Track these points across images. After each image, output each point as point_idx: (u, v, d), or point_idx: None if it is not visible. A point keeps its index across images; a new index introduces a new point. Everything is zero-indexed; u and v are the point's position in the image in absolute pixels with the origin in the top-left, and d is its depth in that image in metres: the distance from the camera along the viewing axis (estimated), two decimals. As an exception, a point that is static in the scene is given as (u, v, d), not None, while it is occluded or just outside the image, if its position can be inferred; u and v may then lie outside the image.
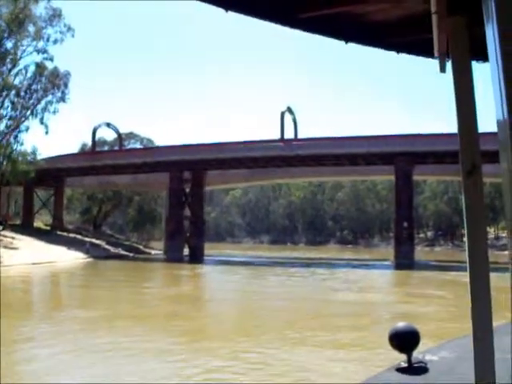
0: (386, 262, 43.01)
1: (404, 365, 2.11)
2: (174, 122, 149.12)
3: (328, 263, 42.62)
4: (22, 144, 50.17)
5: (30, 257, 36.05)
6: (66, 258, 40.41)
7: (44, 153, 56.74)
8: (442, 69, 2.21)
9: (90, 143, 64.61)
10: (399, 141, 42.39)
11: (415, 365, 2.11)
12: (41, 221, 64.97)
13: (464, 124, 1.78)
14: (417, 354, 2.15)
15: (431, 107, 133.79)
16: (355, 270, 36.15)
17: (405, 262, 39.92)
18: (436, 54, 2.21)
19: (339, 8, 2.39)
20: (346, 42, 2.64)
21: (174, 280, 26.77)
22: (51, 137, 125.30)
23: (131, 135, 71.39)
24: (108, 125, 57.90)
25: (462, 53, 1.83)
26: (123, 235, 73.81)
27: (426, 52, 2.47)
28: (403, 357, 2.20)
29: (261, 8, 2.40)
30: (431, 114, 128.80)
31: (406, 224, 42.13)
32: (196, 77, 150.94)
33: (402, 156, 41.98)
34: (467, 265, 1.69)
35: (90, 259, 42.27)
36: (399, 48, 2.70)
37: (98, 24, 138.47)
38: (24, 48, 46.47)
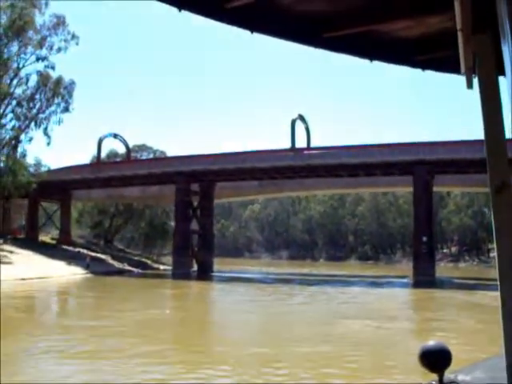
0: (405, 280, 39.84)
1: None
2: (186, 133, 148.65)
3: (342, 281, 39.77)
4: (24, 155, 48.94)
5: (22, 272, 34.07)
6: (63, 273, 38.37)
7: (54, 166, 55.21)
8: (469, 85, 2.19)
9: (103, 155, 63.22)
10: (418, 149, 39.48)
11: None
12: (50, 235, 63.45)
13: (492, 140, 1.75)
14: (448, 374, 1.87)
15: (448, 116, 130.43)
16: (369, 289, 33.22)
17: (425, 279, 36.86)
18: (462, 70, 2.18)
19: (363, 27, 2.45)
20: (371, 61, 2.69)
21: (159, 301, 24.02)
22: (62, 149, 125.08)
23: (143, 147, 69.58)
24: (115, 136, 56.06)
25: (489, 69, 1.82)
26: (135, 250, 71.84)
27: (452, 68, 2.49)
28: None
29: (285, 29, 2.47)
30: (449, 123, 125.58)
31: (425, 238, 39.01)
32: (205, 88, 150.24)
33: (421, 165, 39.02)
34: (498, 284, 1.65)
35: (88, 275, 40.14)
36: (425, 65, 2.73)
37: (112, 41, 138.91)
38: (27, 57, 45.18)
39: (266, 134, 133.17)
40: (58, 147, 60.11)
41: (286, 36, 2.49)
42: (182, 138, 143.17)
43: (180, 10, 2.23)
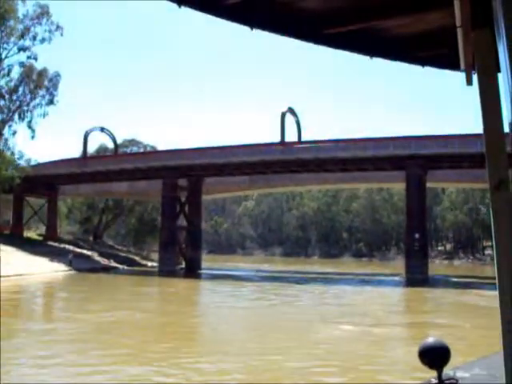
0: (396, 278, 38.69)
1: (434, 381, 1.98)
2: (177, 128, 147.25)
3: (332, 278, 38.69)
4: (9, 149, 47.78)
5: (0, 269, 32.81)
6: (44, 270, 37.13)
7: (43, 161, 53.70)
8: (469, 81, 2.19)
9: (92, 150, 61.95)
10: (410, 142, 38.29)
11: (446, 381, 2.00)
12: (39, 230, 62.15)
13: (491, 137, 1.76)
14: (447, 371, 1.91)
15: (446, 112, 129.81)
16: (358, 288, 31.96)
17: (417, 277, 35.78)
18: (462, 67, 2.19)
19: (363, 23, 2.48)
20: (371, 57, 2.70)
21: (133, 301, 22.28)
22: (53, 144, 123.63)
23: (133, 142, 68.32)
24: (102, 129, 54.66)
25: (488, 65, 1.83)
26: (125, 246, 70.66)
27: (452, 65, 2.51)
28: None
29: (286, 26, 2.49)
30: (442, 116, 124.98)
31: (417, 235, 37.88)
32: (196, 82, 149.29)
33: (413, 159, 37.87)
34: (496, 282, 1.67)
35: (71, 272, 38.92)
36: (424, 62, 2.76)
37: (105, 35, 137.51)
38: (9, 47, 43.87)
39: (261, 128, 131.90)
40: (49, 142, 59.24)
41: (286, 33, 2.49)
42: (173, 133, 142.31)
43: (180, 7, 2.20)
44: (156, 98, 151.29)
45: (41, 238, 54.53)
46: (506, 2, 1.40)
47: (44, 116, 48.03)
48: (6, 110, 46.00)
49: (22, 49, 42.72)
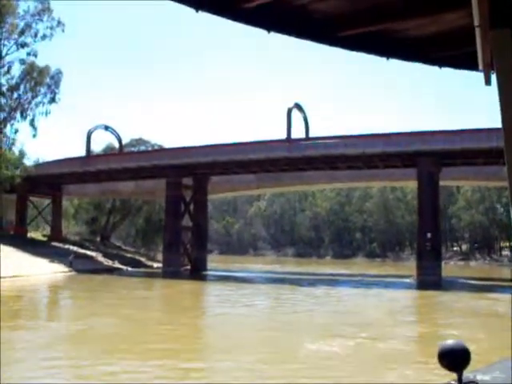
0: (408, 280, 36.95)
1: None
2: (184, 127, 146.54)
3: (340, 280, 37.19)
4: (10, 148, 47.07)
5: (-5, 270, 31.78)
6: (43, 271, 36.09)
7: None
8: (488, 81, 2.14)
9: (99, 150, 61.05)
10: (421, 138, 36.56)
11: None
12: (45, 231, 61.36)
13: (510, 137, 1.72)
14: (467, 374, 1.89)
15: (451, 105, 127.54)
16: (366, 291, 30.31)
17: (429, 279, 34.14)
18: (480, 66, 2.14)
19: (379, 25, 2.48)
20: (388, 59, 2.72)
21: (121, 306, 20.86)
22: (62, 144, 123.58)
23: (140, 141, 67.24)
24: (106, 128, 53.59)
25: (507, 64, 1.79)
26: (134, 247, 69.62)
27: (469, 65, 2.47)
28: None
29: (301, 28, 2.51)
30: (451, 112, 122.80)
31: (429, 235, 36.17)
32: (200, 78, 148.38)
33: (425, 156, 36.16)
34: None
35: (70, 273, 37.81)
36: (441, 62, 2.74)
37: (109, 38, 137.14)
38: (10, 44, 42.97)
39: (270, 125, 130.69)
40: (56, 141, 58.41)
41: (301, 35, 2.52)
42: (181, 132, 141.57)
43: (197, 11, 2.24)
44: (160, 99, 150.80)
45: (45, 239, 53.68)
46: None
47: (46, 114, 47.40)
48: (7, 108, 45.19)
49: (22, 45, 41.78)
